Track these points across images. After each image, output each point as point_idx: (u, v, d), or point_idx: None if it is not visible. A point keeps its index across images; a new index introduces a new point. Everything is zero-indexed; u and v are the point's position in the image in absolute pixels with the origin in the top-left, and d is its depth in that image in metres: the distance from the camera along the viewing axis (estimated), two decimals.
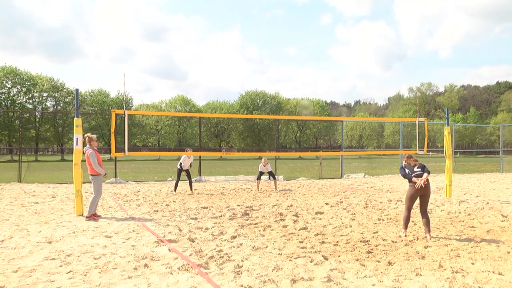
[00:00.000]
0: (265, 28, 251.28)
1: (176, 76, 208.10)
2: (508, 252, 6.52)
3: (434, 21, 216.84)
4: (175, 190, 15.01)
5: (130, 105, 77.72)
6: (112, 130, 10.49)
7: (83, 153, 9.84)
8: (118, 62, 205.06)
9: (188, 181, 15.48)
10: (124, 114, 10.70)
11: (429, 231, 7.65)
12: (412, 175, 7.77)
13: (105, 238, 7.54)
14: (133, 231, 8.15)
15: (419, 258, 6.19)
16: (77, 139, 10.06)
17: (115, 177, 19.89)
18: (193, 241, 7.23)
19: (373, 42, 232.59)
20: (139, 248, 6.74)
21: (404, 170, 7.91)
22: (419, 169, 7.83)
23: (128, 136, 10.97)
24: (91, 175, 9.63)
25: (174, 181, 15.64)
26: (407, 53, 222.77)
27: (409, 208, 7.83)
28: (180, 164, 15.17)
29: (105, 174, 9.72)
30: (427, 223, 7.69)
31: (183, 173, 15.17)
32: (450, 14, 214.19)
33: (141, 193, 14.81)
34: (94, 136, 9.89)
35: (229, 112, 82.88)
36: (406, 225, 7.86)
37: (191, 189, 15.06)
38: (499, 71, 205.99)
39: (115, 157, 20.06)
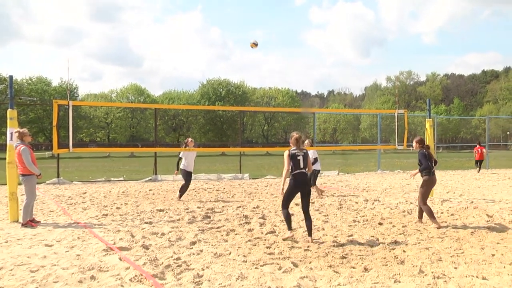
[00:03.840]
0: (229, 9, 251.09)
1: (129, 62, 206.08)
2: (493, 255, 6.71)
3: (417, 2, 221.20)
4: (181, 195, 13.49)
5: (76, 95, 76.26)
6: (54, 123, 10.27)
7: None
8: (61, 45, 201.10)
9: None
10: (68, 105, 10.49)
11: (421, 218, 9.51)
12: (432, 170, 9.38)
13: (44, 247, 7.39)
14: (78, 238, 8.02)
15: (397, 263, 6.31)
16: (11, 133, 9.81)
17: (58, 177, 19.49)
18: (147, 248, 7.17)
19: (350, 25, 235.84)
20: (85, 258, 6.63)
21: (427, 160, 9.20)
22: (434, 165, 9.43)
23: (73, 130, 10.76)
24: (23, 175, 9.38)
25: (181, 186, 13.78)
26: (388, 37, 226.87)
27: (426, 199, 9.39)
28: (184, 163, 13.51)
29: (40, 174, 9.50)
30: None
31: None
32: None
33: (88, 195, 14.57)
34: (26, 130, 9.64)
35: (188, 103, 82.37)
36: (434, 216, 9.24)
37: (183, 193, 13.61)
38: (486, 58, 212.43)
39: (58, 154, 19.65)
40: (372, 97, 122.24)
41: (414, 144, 9.51)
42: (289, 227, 7.97)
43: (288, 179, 7.86)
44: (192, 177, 20.64)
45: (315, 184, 14.10)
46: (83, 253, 6.94)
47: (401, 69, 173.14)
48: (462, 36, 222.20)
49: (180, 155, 13.64)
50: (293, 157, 7.77)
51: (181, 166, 13.58)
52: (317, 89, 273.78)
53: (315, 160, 13.96)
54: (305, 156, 7.87)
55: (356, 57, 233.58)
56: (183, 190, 13.51)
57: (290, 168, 7.78)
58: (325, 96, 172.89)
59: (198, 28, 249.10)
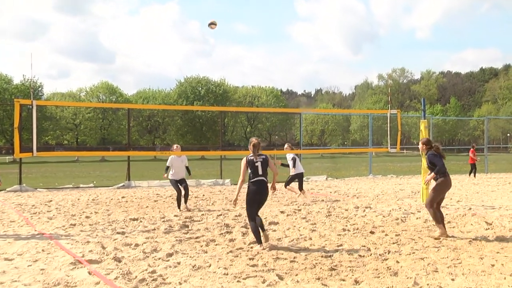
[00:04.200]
0: (209, 0, 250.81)
1: (101, 58, 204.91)
2: (493, 265, 6.77)
3: None
4: (179, 207, 12.92)
5: (40, 94, 75.56)
6: (16, 125, 10.18)
7: None
8: (24, 39, 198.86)
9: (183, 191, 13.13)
10: (32, 104, 10.39)
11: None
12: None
13: (4, 261, 7.28)
14: (43, 251, 7.93)
15: (390, 275, 6.33)
16: None
17: (20, 183, 19.28)
18: (120, 261, 7.12)
19: (340, 19, 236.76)
20: (50, 272, 6.56)
21: (441, 159, 8.99)
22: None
23: (37, 132, 10.67)
24: None
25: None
26: (379, 32, 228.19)
27: (437, 203, 9.10)
28: (171, 172, 13.17)
29: None
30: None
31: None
32: None
33: (54, 203, 14.45)
34: None
35: (164, 103, 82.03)
36: (442, 220, 9.02)
37: (185, 202, 13.08)
38: (485, 55, 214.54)
39: (20, 159, 19.44)
40: (363, 96, 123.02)
41: (420, 146, 9.45)
42: (259, 241, 8.11)
43: (244, 188, 8.24)
44: (169, 183, 20.54)
45: (302, 189, 14.68)
46: (48, 267, 6.86)
47: (393, 66, 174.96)
48: (459, 31, 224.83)
49: (167, 164, 13.34)
50: (250, 164, 8.17)
51: (169, 176, 13.27)
52: (304, 88, 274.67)
53: (293, 161, 14.46)
54: (264, 162, 8.22)
55: (346, 53, 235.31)
56: (183, 199, 12.98)
57: (249, 175, 8.18)
58: (312, 95, 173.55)
59: (176, 21, 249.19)
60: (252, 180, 8.12)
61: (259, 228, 8.12)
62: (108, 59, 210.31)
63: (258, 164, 8.13)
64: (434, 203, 9.04)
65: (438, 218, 8.96)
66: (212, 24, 12.12)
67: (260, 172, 8.13)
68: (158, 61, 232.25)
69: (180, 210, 12.78)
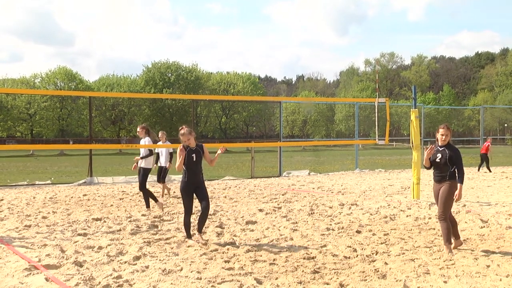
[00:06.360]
0: None
1: (58, 40, 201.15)
2: (488, 266, 6.88)
3: None
4: (148, 205, 12.61)
5: None
6: None
7: None
8: None
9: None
10: None
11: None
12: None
13: None
14: None
15: (378, 278, 6.39)
16: None
17: None
18: (81, 266, 7.08)
19: None
20: (1, 280, 6.49)
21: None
22: None
23: None
24: None
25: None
26: (368, 13, 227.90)
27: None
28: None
29: None
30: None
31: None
32: None
33: (6, 203, 14.29)
34: None
35: (130, 90, 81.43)
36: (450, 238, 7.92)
37: (154, 201, 12.60)
38: (481, 38, 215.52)
39: None
40: (349, 83, 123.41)
41: (446, 132, 7.92)
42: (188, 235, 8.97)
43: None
44: (136, 179, 20.51)
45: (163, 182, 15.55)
46: None
47: (382, 50, 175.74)
48: (455, 12, 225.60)
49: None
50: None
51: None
52: (284, 74, 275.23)
53: (170, 155, 15.47)
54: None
55: (330, 36, 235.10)
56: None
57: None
58: (293, 82, 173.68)
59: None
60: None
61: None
62: (67, 42, 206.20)
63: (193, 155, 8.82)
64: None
65: (450, 234, 7.89)
66: None
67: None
68: (123, 44, 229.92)
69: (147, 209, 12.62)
